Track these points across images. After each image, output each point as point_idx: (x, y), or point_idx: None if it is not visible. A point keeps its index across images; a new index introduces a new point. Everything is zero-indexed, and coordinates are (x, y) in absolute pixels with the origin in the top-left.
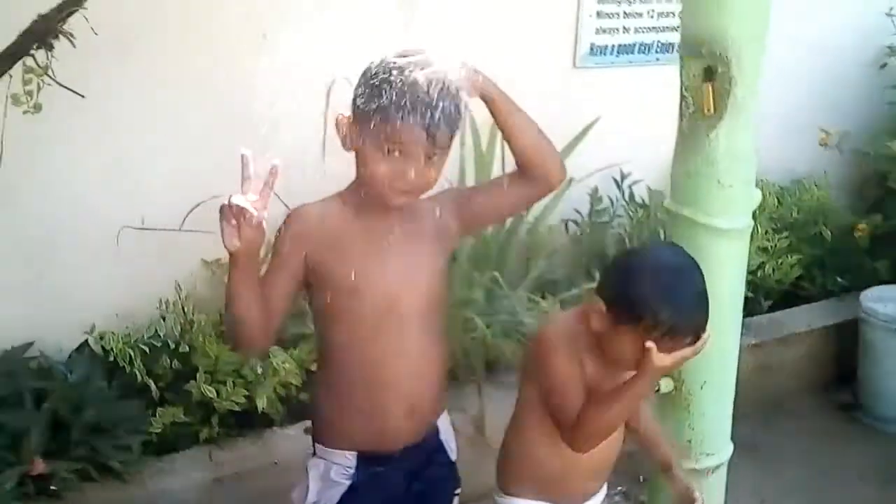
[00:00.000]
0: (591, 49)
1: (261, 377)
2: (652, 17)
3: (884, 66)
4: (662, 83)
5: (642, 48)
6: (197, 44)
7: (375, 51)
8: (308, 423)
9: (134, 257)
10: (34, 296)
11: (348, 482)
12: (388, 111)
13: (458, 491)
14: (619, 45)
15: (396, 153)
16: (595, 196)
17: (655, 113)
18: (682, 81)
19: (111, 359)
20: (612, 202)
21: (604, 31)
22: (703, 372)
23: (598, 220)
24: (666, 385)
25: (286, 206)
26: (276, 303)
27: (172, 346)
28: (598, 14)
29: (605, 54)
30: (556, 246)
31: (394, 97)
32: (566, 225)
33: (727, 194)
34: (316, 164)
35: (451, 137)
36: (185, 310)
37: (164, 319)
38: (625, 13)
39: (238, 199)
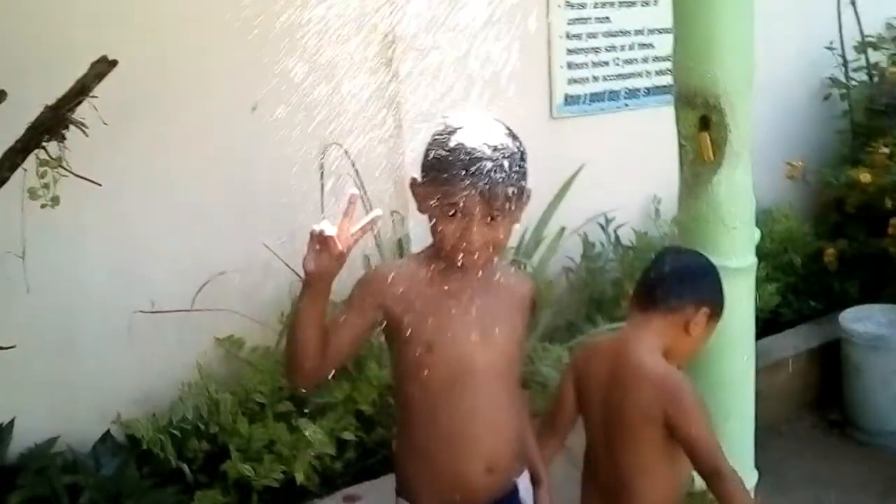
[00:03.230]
0: (566, 99)
1: (295, 451)
2: (618, 64)
3: (828, 97)
4: (633, 128)
5: (612, 95)
6: (190, 123)
7: (366, 118)
8: (347, 491)
9: (148, 342)
10: (53, 388)
11: None
12: (445, 173)
13: None
14: (591, 94)
15: (458, 214)
16: (587, 242)
17: (630, 156)
18: (679, 131)
19: (138, 446)
20: (602, 247)
21: (575, 81)
22: (726, 405)
23: (592, 266)
24: None
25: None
26: (336, 342)
27: (202, 427)
28: (570, 65)
29: (578, 104)
30: (559, 294)
31: (450, 160)
32: (567, 274)
33: (733, 235)
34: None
35: (512, 198)
36: (209, 390)
37: (181, 401)
38: (593, 62)
39: (328, 228)
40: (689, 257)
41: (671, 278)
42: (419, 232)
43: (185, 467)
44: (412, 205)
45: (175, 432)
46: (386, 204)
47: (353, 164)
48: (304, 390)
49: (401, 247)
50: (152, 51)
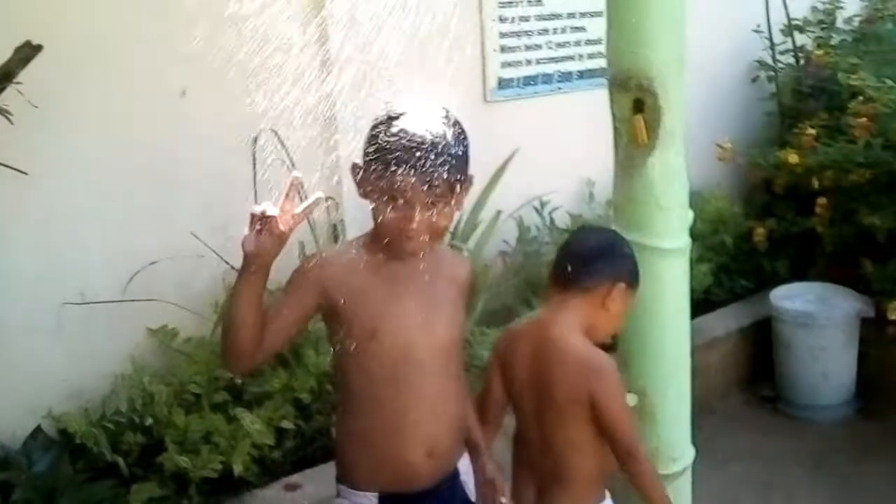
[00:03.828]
0: (499, 83)
1: (233, 441)
2: (551, 48)
3: (755, 79)
4: (567, 111)
5: (545, 78)
6: (119, 109)
7: (298, 103)
8: (287, 479)
9: (78, 334)
10: None
11: None
12: (387, 161)
13: None
14: (524, 78)
15: (400, 201)
16: (523, 226)
17: (565, 140)
18: (613, 114)
19: (71, 441)
20: (538, 230)
21: (509, 64)
22: (664, 383)
23: (528, 249)
24: (631, 398)
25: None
26: (274, 329)
27: (136, 420)
28: (503, 49)
29: (511, 87)
30: (496, 277)
31: (392, 148)
32: (503, 257)
33: (667, 217)
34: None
35: (454, 185)
36: (143, 382)
37: (114, 393)
38: (525, 46)
39: (269, 208)
40: (601, 235)
41: (585, 257)
42: (354, 218)
43: (121, 461)
44: (347, 191)
45: (109, 426)
46: (320, 189)
47: (286, 150)
48: (239, 376)
49: (336, 233)
50: (77, 35)
